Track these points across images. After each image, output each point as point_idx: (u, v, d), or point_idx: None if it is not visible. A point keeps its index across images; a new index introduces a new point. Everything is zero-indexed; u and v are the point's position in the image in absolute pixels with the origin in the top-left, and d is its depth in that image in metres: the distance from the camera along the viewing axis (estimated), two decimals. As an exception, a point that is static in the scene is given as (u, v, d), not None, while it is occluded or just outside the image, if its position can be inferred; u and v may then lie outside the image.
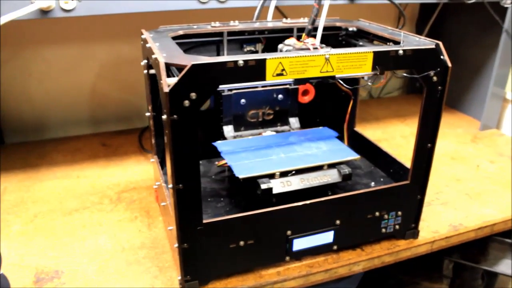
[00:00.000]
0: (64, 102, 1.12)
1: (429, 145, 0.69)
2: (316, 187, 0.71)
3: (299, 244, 0.68)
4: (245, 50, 0.81)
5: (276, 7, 1.12)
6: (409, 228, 0.75)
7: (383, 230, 0.73)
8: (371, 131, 1.19)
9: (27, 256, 0.71)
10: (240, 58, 0.53)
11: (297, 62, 0.56)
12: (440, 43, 0.65)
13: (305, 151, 0.74)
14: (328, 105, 0.91)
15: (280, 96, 0.84)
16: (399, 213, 0.73)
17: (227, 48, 0.79)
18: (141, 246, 0.74)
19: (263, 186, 0.66)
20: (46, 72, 1.08)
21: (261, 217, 0.63)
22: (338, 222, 0.69)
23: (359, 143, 0.90)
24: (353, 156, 0.74)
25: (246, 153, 0.73)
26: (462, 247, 0.84)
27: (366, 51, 0.59)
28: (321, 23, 0.69)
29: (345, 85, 0.85)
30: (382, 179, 0.81)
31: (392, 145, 1.09)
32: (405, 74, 0.65)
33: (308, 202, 0.65)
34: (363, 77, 0.81)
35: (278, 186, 0.68)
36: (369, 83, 0.80)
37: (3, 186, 0.90)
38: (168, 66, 0.54)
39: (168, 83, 0.52)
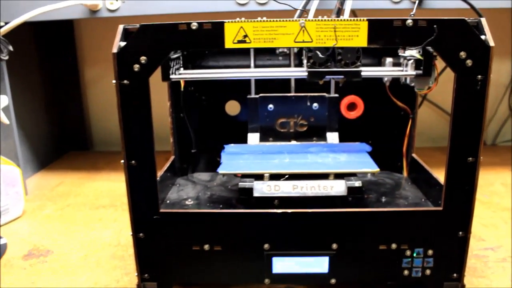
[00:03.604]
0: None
1: (470, 159, 0.51)
2: (324, 201, 0.57)
3: (281, 266, 0.55)
4: (278, 51, 0.74)
5: (352, 11, 1.03)
6: (449, 278, 0.54)
7: (405, 272, 0.54)
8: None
9: (35, 235, 0.73)
10: (195, 21, 0.48)
11: (263, 28, 0.48)
12: (483, 20, 0.49)
13: (316, 159, 0.62)
14: (382, 125, 0.76)
15: (315, 105, 0.73)
16: (430, 252, 0.53)
17: (255, 48, 0.73)
18: (136, 245, 0.69)
19: (241, 185, 0.56)
20: (132, 89, 1.17)
21: (227, 219, 0.53)
22: (334, 246, 0.54)
23: (418, 172, 0.72)
24: (371, 168, 0.58)
25: (248, 155, 0.65)
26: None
27: (358, 19, 0.47)
28: (347, 11, 0.60)
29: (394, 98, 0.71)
30: (427, 213, 0.62)
31: (484, 191, 0.85)
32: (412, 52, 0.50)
33: (289, 211, 0.53)
34: (405, 79, 0.67)
35: (262, 188, 0.57)
36: (415, 88, 0.65)
37: (62, 180, 0.97)
38: (127, 32, 0.52)
39: (119, 45, 0.50)
